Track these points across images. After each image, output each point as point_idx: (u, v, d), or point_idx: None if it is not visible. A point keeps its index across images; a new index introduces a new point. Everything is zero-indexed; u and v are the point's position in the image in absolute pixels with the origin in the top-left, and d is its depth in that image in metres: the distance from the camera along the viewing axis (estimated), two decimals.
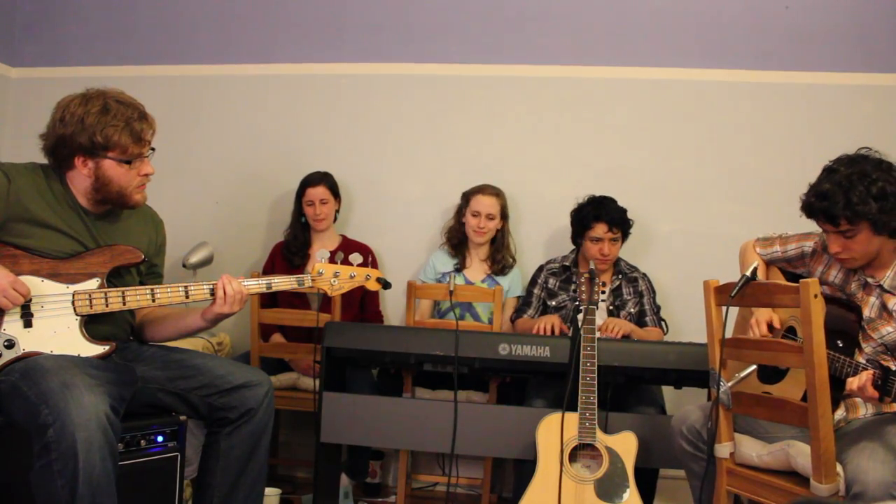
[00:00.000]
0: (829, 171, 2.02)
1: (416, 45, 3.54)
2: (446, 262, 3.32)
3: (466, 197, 3.28)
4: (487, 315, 3.22)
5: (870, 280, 2.08)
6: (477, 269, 3.31)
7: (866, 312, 2.06)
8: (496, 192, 3.26)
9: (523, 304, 3.19)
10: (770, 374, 2.14)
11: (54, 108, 2.01)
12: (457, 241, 3.32)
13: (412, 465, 3.29)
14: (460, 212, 3.31)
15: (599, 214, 2.99)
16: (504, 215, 3.28)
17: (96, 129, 1.95)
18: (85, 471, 1.66)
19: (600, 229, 2.99)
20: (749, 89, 3.38)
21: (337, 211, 3.35)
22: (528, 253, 3.43)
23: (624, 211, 3.05)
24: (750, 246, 2.39)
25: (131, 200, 2.06)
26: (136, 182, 2.04)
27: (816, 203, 2.00)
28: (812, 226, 2.19)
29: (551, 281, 3.14)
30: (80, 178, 2.02)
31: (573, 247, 3.25)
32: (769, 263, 2.34)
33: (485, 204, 3.23)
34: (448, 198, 3.43)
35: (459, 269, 3.29)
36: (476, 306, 3.21)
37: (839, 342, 1.98)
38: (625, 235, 3.08)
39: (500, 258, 3.27)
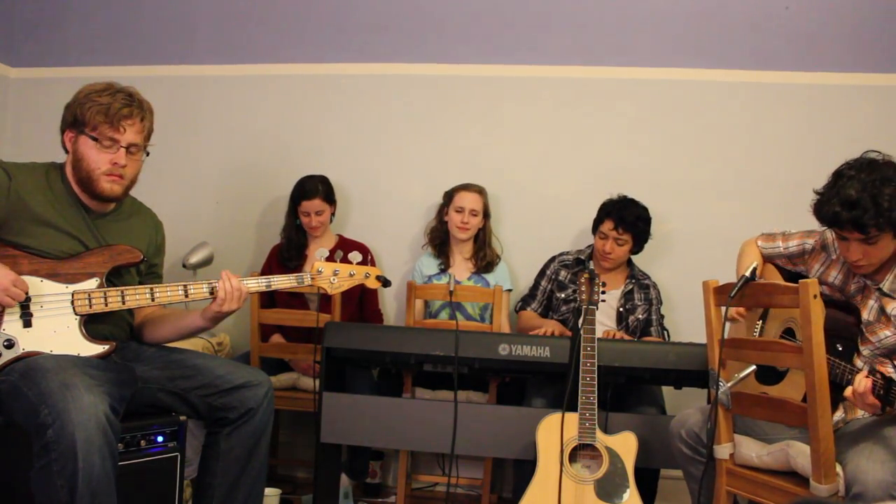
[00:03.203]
0: (846, 178, 1.94)
1: (415, 46, 3.54)
2: (431, 265, 3.33)
3: (449, 195, 3.29)
4: (477, 312, 3.22)
5: (869, 283, 2.07)
6: (461, 268, 3.31)
7: (865, 315, 2.06)
8: (479, 190, 3.28)
9: (529, 295, 3.19)
10: (768, 375, 2.13)
11: None
12: (439, 241, 3.33)
13: (412, 465, 3.28)
14: (442, 211, 3.32)
15: (611, 212, 3.01)
16: (486, 214, 3.29)
17: (82, 104, 1.99)
18: (84, 471, 1.66)
19: (607, 226, 3.01)
20: (749, 89, 3.38)
21: (332, 214, 3.34)
22: (527, 253, 3.42)
23: (640, 218, 3.02)
24: (752, 241, 2.39)
25: (98, 186, 2.02)
26: (104, 167, 2.00)
27: (844, 213, 1.90)
28: (814, 224, 2.18)
29: (563, 272, 3.13)
30: (68, 160, 2.04)
31: (572, 247, 3.27)
32: (769, 258, 2.34)
33: (468, 200, 3.24)
34: None
35: (444, 269, 3.29)
36: (465, 304, 3.21)
37: (839, 346, 1.97)
38: (637, 241, 3.04)
39: (483, 256, 3.29)
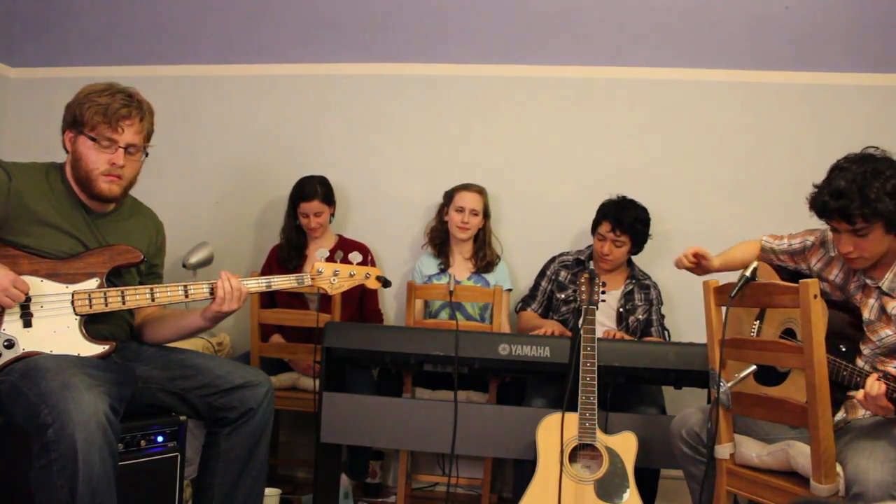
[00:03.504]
0: (839, 170, 1.98)
1: (415, 46, 3.54)
2: (431, 265, 3.33)
3: (449, 194, 3.30)
4: (477, 312, 3.22)
5: (869, 282, 2.07)
6: (461, 268, 3.32)
7: (865, 314, 2.06)
8: (479, 190, 3.28)
9: (529, 296, 3.19)
10: (769, 377, 2.13)
11: None
12: (439, 240, 3.33)
13: (412, 465, 3.28)
14: (442, 210, 3.32)
15: (608, 214, 3.00)
16: (486, 214, 3.30)
17: (82, 104, 1.98)
18: (84, 471, 1.66)
19: (604, 227, 3.00)
20: (749, 89, 3.38)
21: (332, 215, 3.34)
22: (527, 253, 3.42)
23: (639, 219, 3.01)
24: (754, 240, 2.41)
25: (96, 187, 2.01)
26: (102, 168, 2.00)
27: (831, 202, 1.95)
28: (812, 224, 2.19)
29: (563, 273, 3.13)
30: (68, 161, 2.04)
31: (572, 247, 3.27)
32: (771, 252, 2.35)
33: (469, 199, 3.24)
34: None
35: (444, 269, 3.29)
36: (465, 304, 3.21)
37: (842, 347, 1.97)
38: (636, 243, 3.04)
39: (483, 256, 3.29)
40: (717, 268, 2.36)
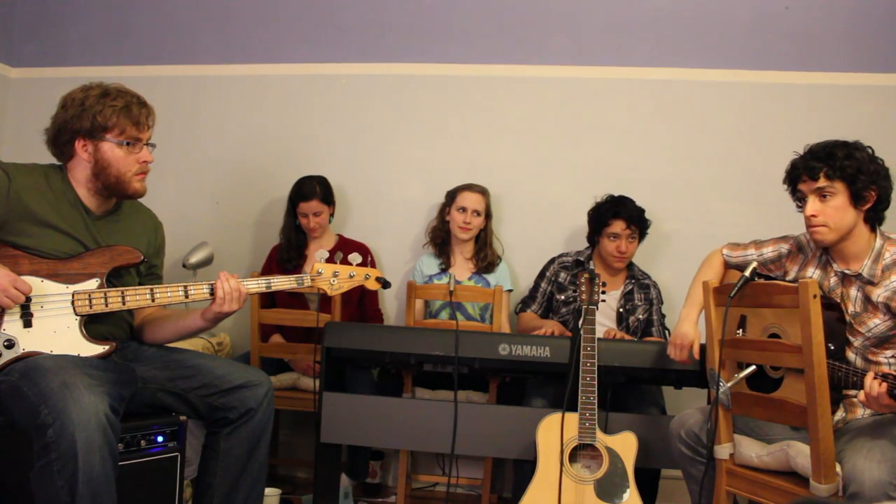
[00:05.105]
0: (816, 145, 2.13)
1: (415, 46, 3.54)
2: (432, 265, 3.33)
3: (452, 194, 3.29)
4: (477, 312, 3.22)
5: (847, 272, 2.08)
6: (462, 268, 3.32)
7: (850, 307, 2.07)
8: (482, 190, 3.28)
9: (529, 297, 3.19)
10: (764, 384, 2.11)
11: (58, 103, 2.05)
12: (440, 240, 3.33)
13: (412, 465, 3.29)
14: (444, 210, 3.32)
15: (618, 211, 3.00)
16: (488, 214, 3.29)
17: (96, 111, 1.98)
18: (84, 471, 1.66)
19: (618, 226, 2.99)
20: (749, 89, 3.38)
21: (331, 215, 3.34)
22: (528, 254, 3.42)
23: (642, 210, 3.05)
24: (717, 251, 2.42)
25: (130, 188, 2.06)
26: (134, 168, 2.04)
27: (799, 160, 2.12)
28: (785, 231, 2.21)
29: (562, 274, 3.13)
30: (81, 167, 2.03)
31: (573, 248, 3.26)
32: (736, 267, 2.35)
33: (471, 200, 3.23)
34: None
35: (445, 268, 3.29)
36: (466, 304, 3.21)
37: (831, 346, 1.97)
38: (642, 235, 3.08)
39: (483, 256, 3.29)
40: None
